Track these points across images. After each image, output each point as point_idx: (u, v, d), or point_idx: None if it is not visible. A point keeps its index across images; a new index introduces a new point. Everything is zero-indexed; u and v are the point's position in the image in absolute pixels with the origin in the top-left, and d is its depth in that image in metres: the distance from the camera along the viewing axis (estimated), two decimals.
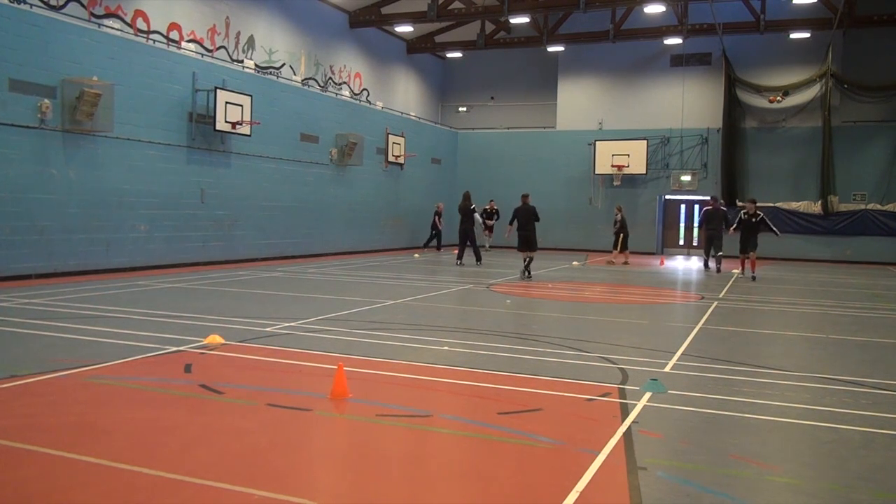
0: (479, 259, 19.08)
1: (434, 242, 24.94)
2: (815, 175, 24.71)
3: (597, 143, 27.14)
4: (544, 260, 21.70)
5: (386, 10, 24.31)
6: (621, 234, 21.27)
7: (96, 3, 15.11)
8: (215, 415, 5.19)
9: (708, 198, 21.29)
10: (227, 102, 16.82)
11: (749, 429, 5.14)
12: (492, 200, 25.68)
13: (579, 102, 28.26)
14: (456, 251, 19.45)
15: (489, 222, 25.37)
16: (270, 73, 20.32)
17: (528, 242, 15.84)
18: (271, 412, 5.28)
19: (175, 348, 7.30)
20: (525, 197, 16.30)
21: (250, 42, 19.80)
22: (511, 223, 16.22)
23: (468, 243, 18.75)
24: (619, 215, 21.63)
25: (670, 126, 26.68)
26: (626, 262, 21.31)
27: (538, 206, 16.92)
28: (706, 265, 19.26)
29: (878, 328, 10.10)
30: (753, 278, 16.50)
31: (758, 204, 17.73)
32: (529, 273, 15.94)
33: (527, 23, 26.07)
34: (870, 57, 24.36)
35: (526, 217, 15.85)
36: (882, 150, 24.28)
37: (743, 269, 17.45)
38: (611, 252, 21.91)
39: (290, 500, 3.66)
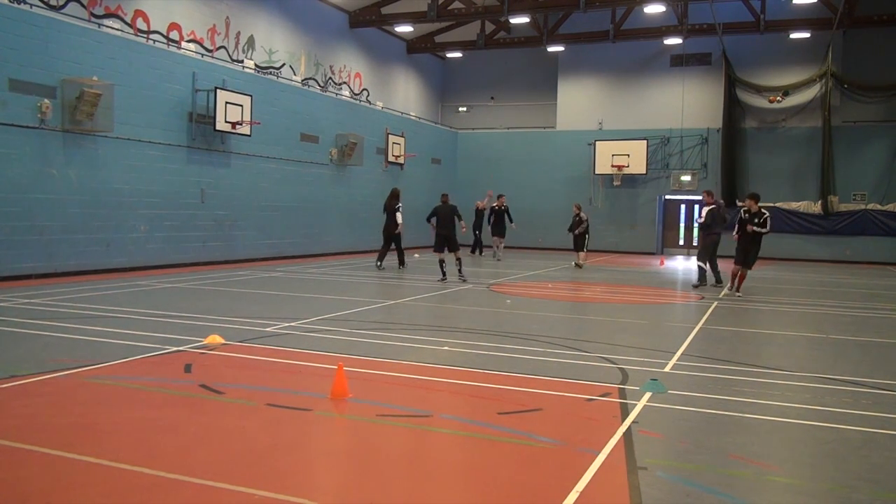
0: (401, 262, 17.48)
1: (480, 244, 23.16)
2: (815, 175, 24.72)
3: (597, 143, 27.13)
4: (544, 260, 21.70)
5: (386, 10, 24.31)
6: (587, 235, 19.49)
7: (96, 3, 15.11)
8: (215, 415, 5.19)
9: (700, 197, 16.91)
10: (227, 102, 16.82)
11: (749, 429, 5.14)
12: (501, 196, 22.21)
13: (579, 102, 28.26)
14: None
15: (513, 225, 22.05)
16: (270, 73, 20.32)
17: (448, 241, 15.12)
18: (271, 412, 5.27)
19: (175, 348, 7.30)
20: (445, 196, 15.82)
21: (250, 42, 19.80)
22: (429, 220, 15.85)
23: (392, 245, 17.43)
24: (582, 214, 19.60)
25: (670, 126, 26.68)
26: (580, 265, 19.37)
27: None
28: (717, 279, 15.21)
29: (878, 328, 10.10)
30: (730, 289, 13.88)
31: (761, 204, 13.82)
32: (462, 276, 15.02)
33: (527, 23, 26.07)
34: (870, 57, 24.37)
35: (446, 216, 15.23)
36: (882, 150, 24.28)
37: (733, 283, 13.92)
38: (578, 255, 19.52)
39: (290, 500, 3.66)
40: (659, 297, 13.73)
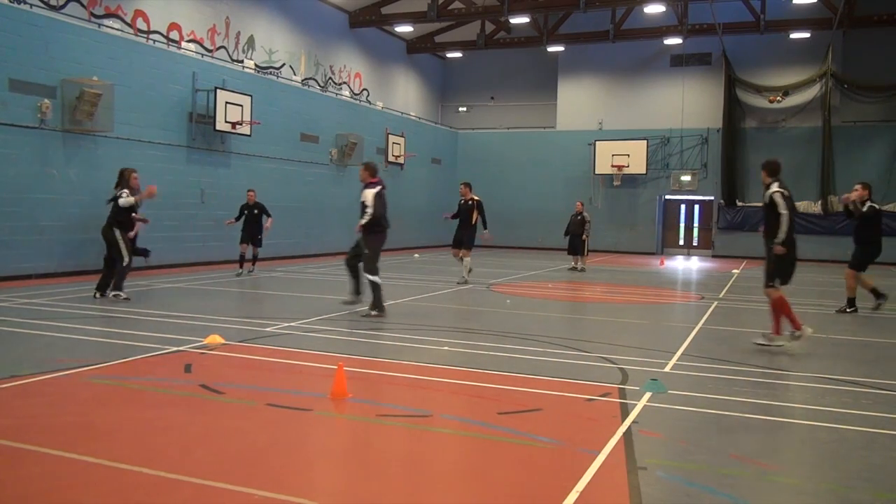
0: (116, 286, 10.62)
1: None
2: (815, 175, 24.70)
3: (597, 143, 27.13)
4: (545, 260, 21.70)
5: (386, 10, 24.31)
6: (586, 237, 18.36)
7: (96, 3, 15.11)
8: (215, 415, 5.19)
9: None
10: (227, 102, 16.82)
11: (749, 429, 5.14)
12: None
13: (579, 102, 28.26)
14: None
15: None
16: (270, 73, 20.31)
17: (252, 238, 15.18)
18: (271, 412, 5.27)
19: (175, 348, 7.30)
20: (251, 192, 15.49)
21: (250, 42, 19.80)
22: (237, 219, 15.68)
23: (117, 259, 10.74)
24: (585, 213, 18.48)
25: (670, 126, 26.68)
26: (582, 268, 18.38)
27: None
28: (377, 304, 10.07)
29: (878, 328, 10.09)
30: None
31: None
32: (251, 270, 15.20)
33: (527, 23, 26.07)
34: (870, 57, 24.36)
35: (258, 213, 15.21)
36: (882, 150, 24.28)
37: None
38: (578, 258, 18.43)
39: (290, 500, 3.66)
40: (659, 297, 13.73)
